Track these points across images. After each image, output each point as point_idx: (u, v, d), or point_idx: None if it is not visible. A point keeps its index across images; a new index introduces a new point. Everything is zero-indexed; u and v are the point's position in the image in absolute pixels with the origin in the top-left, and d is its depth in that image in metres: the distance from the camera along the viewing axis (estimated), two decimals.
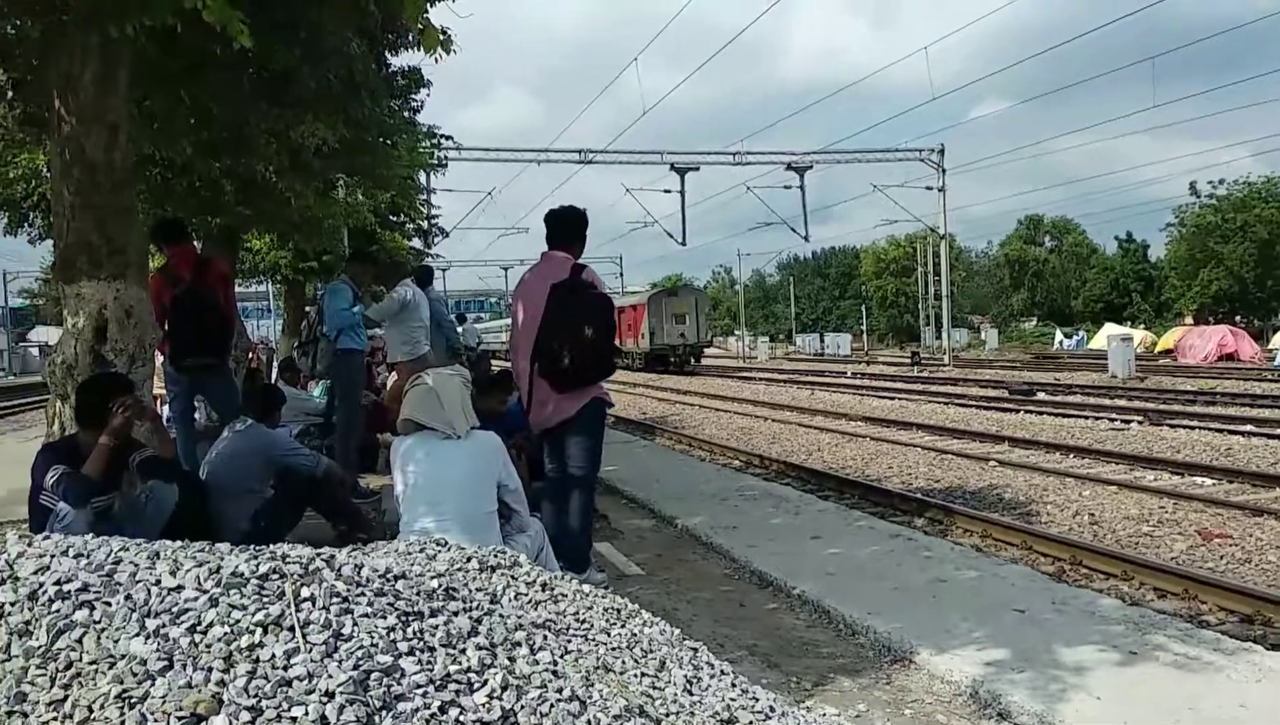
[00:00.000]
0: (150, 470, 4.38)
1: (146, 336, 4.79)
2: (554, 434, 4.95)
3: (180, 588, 1.94)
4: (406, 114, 10.20)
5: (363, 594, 2.09)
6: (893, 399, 22.29)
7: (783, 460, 12.69)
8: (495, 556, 3.01)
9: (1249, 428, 14.13)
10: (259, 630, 1.84)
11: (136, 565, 2.06)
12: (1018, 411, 18.10)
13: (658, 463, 10.55)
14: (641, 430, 17.22)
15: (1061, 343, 53.96)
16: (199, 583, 1.97)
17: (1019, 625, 4.27)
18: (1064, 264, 71.16)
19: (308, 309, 7.68)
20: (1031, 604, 4.56)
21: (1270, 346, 36.49)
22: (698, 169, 32.88)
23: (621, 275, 61.65)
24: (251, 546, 2.25)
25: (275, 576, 2.03)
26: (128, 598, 1.91)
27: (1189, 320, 52.97)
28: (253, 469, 5.23)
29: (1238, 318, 51.63)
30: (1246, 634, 5.37)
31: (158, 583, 1.97)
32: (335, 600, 2.01)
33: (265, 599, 1.95)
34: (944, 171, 35.56)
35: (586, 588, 3.01)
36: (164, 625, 1.83)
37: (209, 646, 1.79)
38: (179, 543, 2.29)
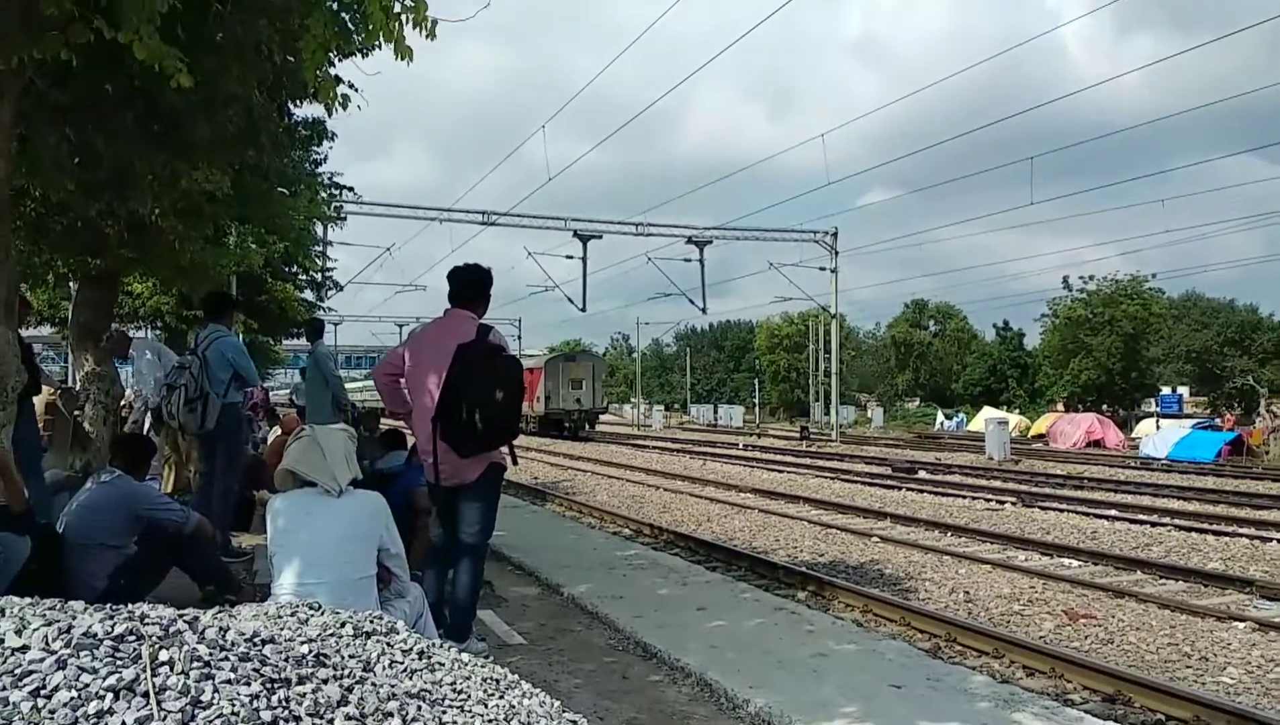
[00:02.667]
0: (1, 521, 4.11)
1: (9, 379, 4.53)
2: (445, 497, 4.84)
3: (26, 648, 1.81)
4: (308, 165, 10.05)
5: (226, 658, 1.99)
6: (782, 472, 22.68)
7: (672, 530, 12.71)
8: (371, 622, 2.91)
9: (1113, 512, 14.88)
10: (110, 695, 1.73)
11: None
12: (900, 489, 18.63)
13: (546, 529, 10.43)
14: (532, 495, 17.04)
15: (943, 423, 55.94)
16: (46, 643, 1.84)
17: (895, 701, 4.34)
18: (946, 348, 74.15)
19: (189, 359, 7.30)
20: (908, 680, 4.64)
21: (1134, 435, 38.62)
22: (600, 237, 33.27)
23: (520, 338, 61.37)
24: (108, 605, 2.12)
25: (132, 638, 1.92)
26: None
27: (1060, 407, 55.70)
28: (116, 523, 4.94)
29: (1104, 407, 54.55)
30: (1109, 713, 5.60)
31: (0, 641, 1.84)
32: (196, 664, 1.91)
33: (119, 662, 1.83)
34: (837, 254, 36.90)
35: (465, 657, 2.92)
36: (4, 688, 1.70)
37: (53, 713, 1.67)
38: (28, 599, 2.14)
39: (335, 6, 4.07)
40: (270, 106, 5.51)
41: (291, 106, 6.83)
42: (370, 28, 3.69)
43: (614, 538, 11.12)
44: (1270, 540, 12.11)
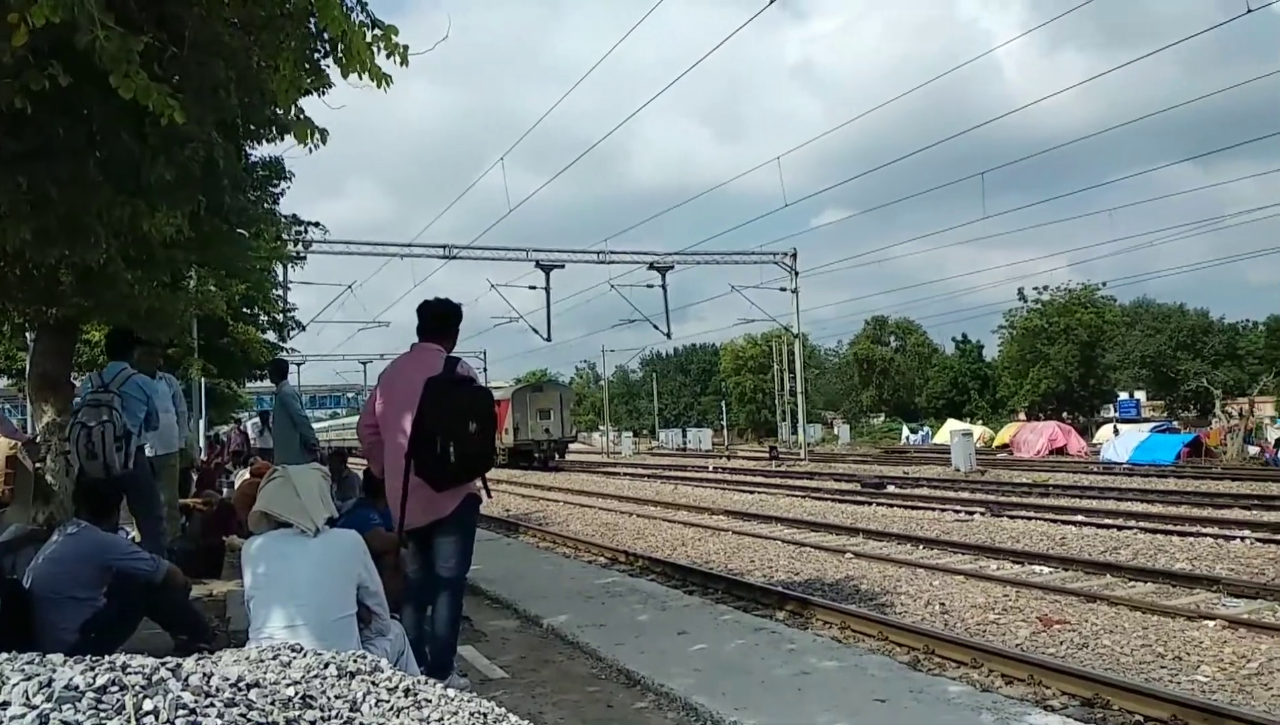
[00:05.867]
0: None
1: None
2: (420, 532, 4.79)
3: (6, 704, 1.77)
4: (266, 204, 9.99)
5: (212, 705, 1.96)
6: (753, 493, 22.72)
7: (648, 555, 12.68)
8: (355, 661, 2.87)
9: (1080, 518, 15.10)
10: None
11: None
12: (870, 504, 18.75)
13: (522, 561, 10.35)
14: (505, 528, 16.91)
15: (908, 438, 56.44)
16: (27, 698, 1.81)
17: (880, 716, 4.35)
18: (908, 363, 74.99)
19: (106, 396, 6.88)
20: (891, 694, 4.66)
21: (1095, 441, 39.22)
22: (563, 266, 33.34)
23: (486, 370, 61.12)
24: (89, 656, 2.08)
25: (115, 688, 1.89)
26: None
27: (1022, 416, 56.48)
28: (84, 575, 4.82)
29: (1065, 414, 55.37)
30: (1088, 716, 5.66)
31: None
32: (181, 713, 1.88)
33: (102, 714, 1.80)
34: (796, 274, 37.26)
35: (451, 692, 2.90)
36: None
37: None
38: (3, 655, 2.10)
39: (294, 44, 4.08)
40: (229, 147, 5.48)
41: (249, 147, 6.80)
42: (348, 60, 3.71)
43: (590, 566, 11.07)
44: (1233, 538, 12.34)
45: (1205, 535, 12.71)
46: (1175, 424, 40.61)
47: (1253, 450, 28.97)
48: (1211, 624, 7.92)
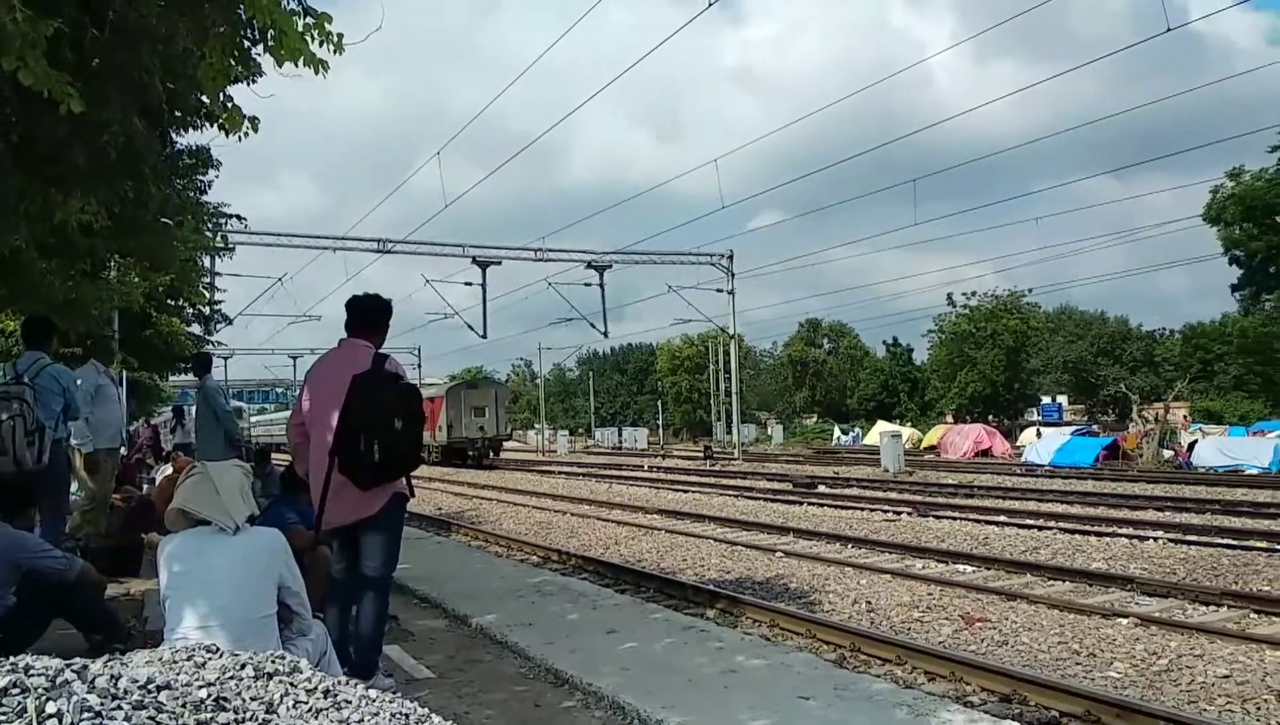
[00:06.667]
0: None
1: None
2: (346, 531, 4.71)
3: None
4: (192, 194, 9.72)
5: (119, 708, 1.90)
6: (687, 492, 22.84)
7: (581, 554, 12.67)
8: (273, 662, 2.81)
9: (1002, 518, 15.49)
10: None
11: None
12: (802, 504, 18.99)
13: (452, 559, 10.26)
14: (436, 526, 16.74)
15: (839, 439, 57.30)
16: None
17: (804, 713, 4.41)
18: (840, 365, 76.16)
19: (17, 388, 6.55)
20: (816, 691, 4.72)
21: (1018, 443, 40.28)
22: (499, 263, 33.06)
23: (420, 366, 60.38)
24: None
25: (15, 690, 1.82)
26: None
27: (949, 419, 57.74)
28: None
29: (990, 417, 56.77)
30: (1005, 712, 5.80)
31: None
32: (86, 716, 1.82)
33: (1, 717, 1.74)
34: (733, 276, 37.57)
35: (373, 693, 2.86)
36: None
37: None
38: None
39: (223, 30, 3.98)
40: (152, 134, 5.32)
41: (175, 134, 6.60)
42: (281, 48, 3.63)
43: (521, 565, 11.02)
44: (1147, 539, 12.78)
45: (1121, 536, 13.15)
46: (1095, 428, 41.91)
47: (1167, 454, 30.03)
48: (1125, 622, 8.19)
